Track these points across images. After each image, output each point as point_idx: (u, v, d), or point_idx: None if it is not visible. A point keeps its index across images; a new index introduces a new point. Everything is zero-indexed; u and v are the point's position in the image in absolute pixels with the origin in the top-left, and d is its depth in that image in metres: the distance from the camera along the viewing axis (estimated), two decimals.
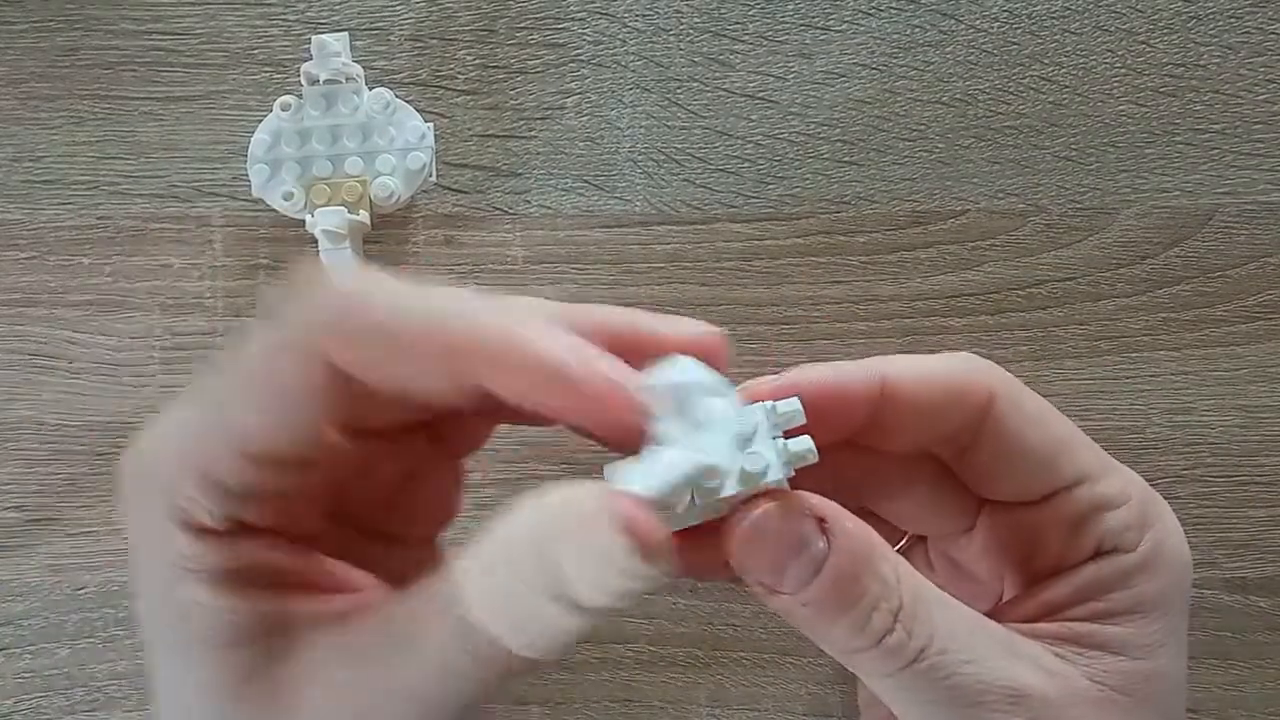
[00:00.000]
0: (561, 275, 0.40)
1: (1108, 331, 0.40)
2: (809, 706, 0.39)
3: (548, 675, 0.38)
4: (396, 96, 0.38)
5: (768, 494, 0.23)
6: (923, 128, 0.41)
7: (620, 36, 0.41)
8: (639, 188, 0.40)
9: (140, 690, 0.38)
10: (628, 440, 0.22)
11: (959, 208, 0.40)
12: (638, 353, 0.24)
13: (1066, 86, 0.41)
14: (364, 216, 0.37)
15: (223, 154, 0.40)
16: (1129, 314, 0.40)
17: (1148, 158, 0.41)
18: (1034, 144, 0.41)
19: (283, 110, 0.37)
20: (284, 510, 0.24)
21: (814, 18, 0.41)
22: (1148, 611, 0.26)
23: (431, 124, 0.38)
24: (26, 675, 0.38)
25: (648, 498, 0.21)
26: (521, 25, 0.41)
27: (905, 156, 0.41)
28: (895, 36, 0.41)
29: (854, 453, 0.27)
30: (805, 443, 0.23)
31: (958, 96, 0.41)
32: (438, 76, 0.41)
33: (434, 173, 0.38)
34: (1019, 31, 0.41)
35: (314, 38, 0.37)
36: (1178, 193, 0.40)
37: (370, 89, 0.38)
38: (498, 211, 0.40)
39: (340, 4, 0.41)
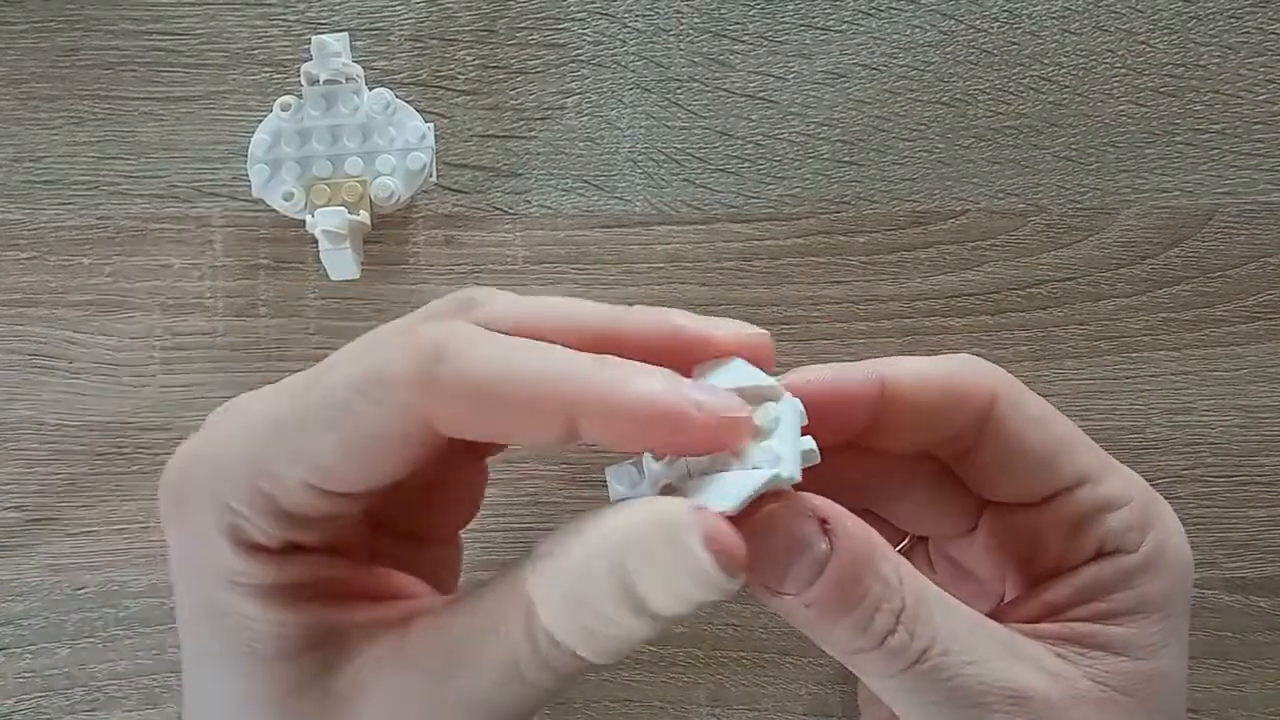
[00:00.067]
0: (561, 275, 0.40)
1: (1108, 331, 0.40)
2: (809, 706, 0.39)
3: None
4: (396, 96, 0.38)
5: (770, 495, 0.23)
6: (923, 128, 0.41)
7: (620, 36, 0.41)
8: (639, 188, 0.40)
9: (141, 690, 0.38)
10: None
11: (959, 208, 0.40)
12: (683, 356, 0.24)
13: (1066, 86, 0.41)
14: (364, 216, 0.37)
15: (223, 154, 0.40)
16: (1129, 314, 0.40)
17: (1148, 158, 0.41)
18: (1034, 144, 0.41)
19: (283, 110, 0.37)
20: (337, 531, 0.24)
21: (814, 18, 0.41)
22: (1150, 612, 0.26)
23: (431, 124, 0.38)
24: (26, 675, 0.38)
25: (729, 513, 0.21)
26: (521, 25, 0.41)
27: (905, 156, 0.41)
28: (895, 36, 0.41)
29: (855, 454, 0.27)
30: (808, 443, 0.23)
31: (958, 96, 0.41)
32: (438, 76, 0.41)
33: (434, 173, 0.38)
34: (1019, 31, 0.41)
35: (314, 38, 0.37)
36: (1178, 193, 0.40)
37: (370, 89, 0.38)
38: (498, 211, 0.40)
39: (340, 4, 0.41)
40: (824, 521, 0.23)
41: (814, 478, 0.23)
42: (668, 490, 0.23)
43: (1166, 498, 0.28)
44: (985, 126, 0.41)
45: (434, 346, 0.21)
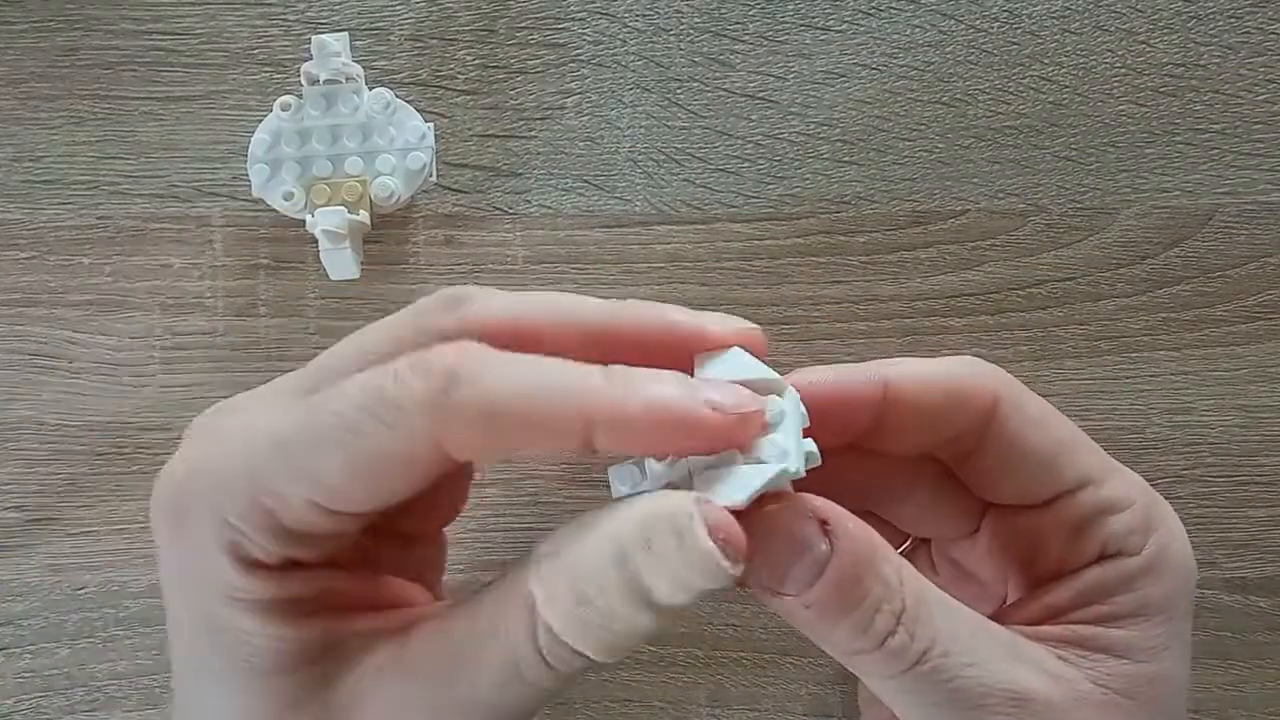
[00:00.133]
0: (561, 275, 0.40)
1: (1108, 331, 0.40)
2: (809, 706, 0.39)
3: None
4: (396, 96, 0.38)
5: (770, 495, 0.23)
6: (923, 128, 0.41)
7: (620, 36, 0.41)
8: (639, 188, 0.40)
9: (141, 690, 0.38)
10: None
11: (959, 208, 0.40)
12: (679, 351, 0.24)
13: (1066, 86, 0.41)
14: (364, 216, 0.37)
15: (223, 154, 0.40)
16: (1129, 314, 0.40)
17: (1148, 158, 0.41)
18: (1034, 144, 0.41)
19: (283, 110, 0.37)
20: (337, 546, 0.24)
21: (814, 18, 0.41)
22: (1152, 615, 0.26)
23: (431, 124, 0.38)
24: (26, 675, 0.38)
25: (738, 507, 0.22)
26: (521, 25, 0.41)
27: (905, 156, 0.41)
28: (895, 36, 0.41)
29: (857, 455, 0.27)
30: (808, 445, 0.23)
31: (958, 96, 0.41)
32: (438, 76, 0.41)
33: (434, 173, 0.38)
34: (1019, 31, 0.41)
35: (314, 38, 0.37)
36: (1178, 193, 0.40)
37: (370, 89, 0.38)
38: (498, 211, 0.40)
39: (340, 4, 0.41)
40: (824, 522, 0.23)
41: (815, 479, 0.24)
42: (670, 489, 0.23)
43: (1166, 498, 0.28)
44: (985, 126, 0.41)
45: (445, 371, 0.21)
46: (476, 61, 0.41)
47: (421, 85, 0.40)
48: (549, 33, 0.41)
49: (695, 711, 0.39)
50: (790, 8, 0.41)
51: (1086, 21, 0.41)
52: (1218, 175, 0.41)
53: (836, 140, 0.41)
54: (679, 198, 0.40)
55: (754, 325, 0.25)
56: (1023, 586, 0.28)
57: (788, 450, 0.22)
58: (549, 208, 0.40)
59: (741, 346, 0.24)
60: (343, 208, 0.37)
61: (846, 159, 0.41)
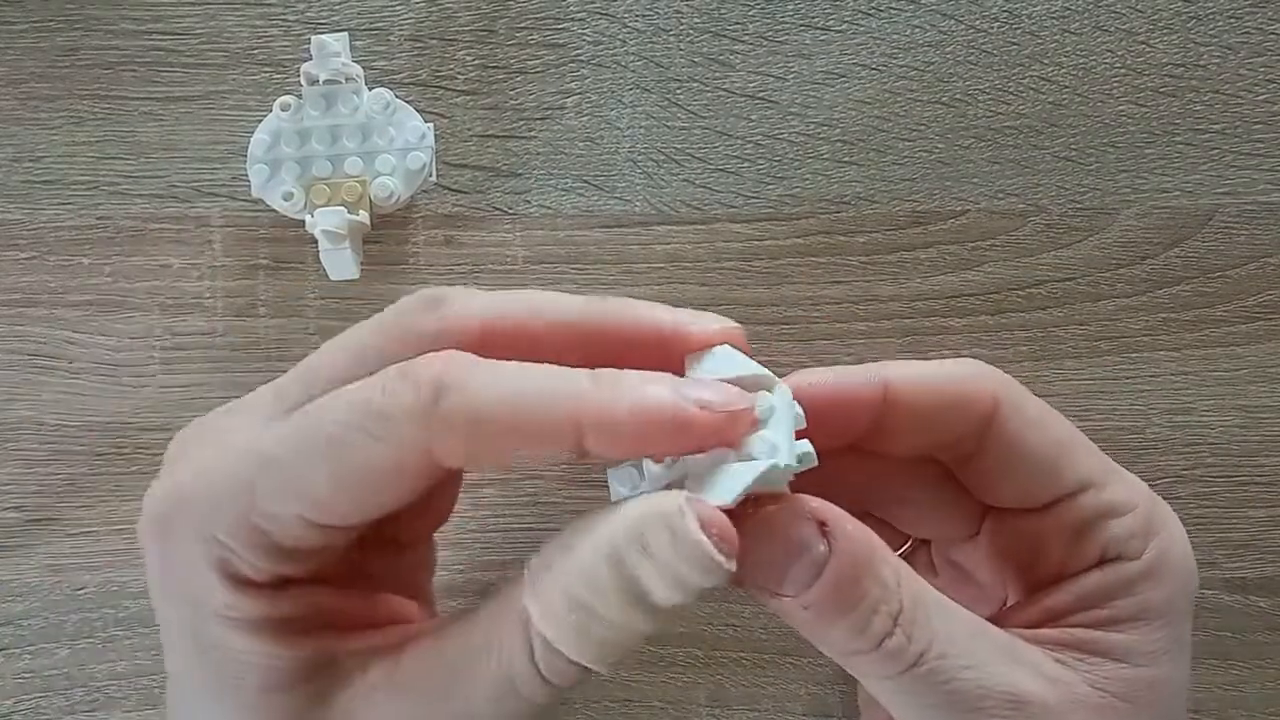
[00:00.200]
0: (561, 275, 0.40)
1: (1108, 331, 0.40)
2: (809, 707, 0.39)
3: None
4: (396, 96, 0.38)
5: (768, 496, 0.23)
6: (923, 128, 0.41)
7: (620, 36, 0.41)
8: (639, 188, 0.40)
9: (140, 690, 0.38)
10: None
11: (959, 208, 0.40)
12: (662, 350, 0.24)
13: (1066, 86, 0.41)
14: (364, 216, 0.37)
15: (223, 154, 0.40)
16: (1129, 314, 0.40)
17: (1148, 158, 0.41)
18: (1034, 144, 0.41)
19: (282, 110, 0.37)
20: (326, 560, 0.24)
21: (814, 18, 0.41)
22: (1152, 619, 0.26)
23: (431, 124, 0.38)
24: (26, 675, 0.38)
25: (727, 506, 0.22)
26: (521, 25, 0.41)
27: (905, 156, 0.41)
28: (895, 36, 0.41)
29: (857, 457, 0.27)
30: (805, 446, 0.23)
31: (958, 96, 0.41)
32: (438, 76, 0.41)
33: (434, 173, 0.38)
34: (1019, 31, 0.41)
35: (314, 38, 0.37)
36: (1178, 193, 0.40)
37: (370, 89, 0.38)
38: (498, 211, 0.40)
39: (340, 4, 0.41)
40: (823, 524, 0.23)
41: (815, 480, 0.24)
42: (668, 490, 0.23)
43: (1166, 498, 0.28)
44: (985, 126, 0.41)
45: (432, 380, 0.21)
46: (476, 62, 0.41)
47: (421, 85, 0.40)
48: (549, 33, 0.41)
49: (695, 711, 0.39)
50: (790, 8, 0.41)
51: (1086, 21, 0.41)
52: (1218, 175, 0.40)
53: (836, 140, 0.41)
54: (679, 198, 0.40)
55: (734, 323, 0.25)
56: (1022, 590, 0.28)
57: (778, 446, 0.22)
58: (549, 208, 0.40)
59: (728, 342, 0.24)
60: (342, 208, 0.37)
61: (846, 159, 0.40)
